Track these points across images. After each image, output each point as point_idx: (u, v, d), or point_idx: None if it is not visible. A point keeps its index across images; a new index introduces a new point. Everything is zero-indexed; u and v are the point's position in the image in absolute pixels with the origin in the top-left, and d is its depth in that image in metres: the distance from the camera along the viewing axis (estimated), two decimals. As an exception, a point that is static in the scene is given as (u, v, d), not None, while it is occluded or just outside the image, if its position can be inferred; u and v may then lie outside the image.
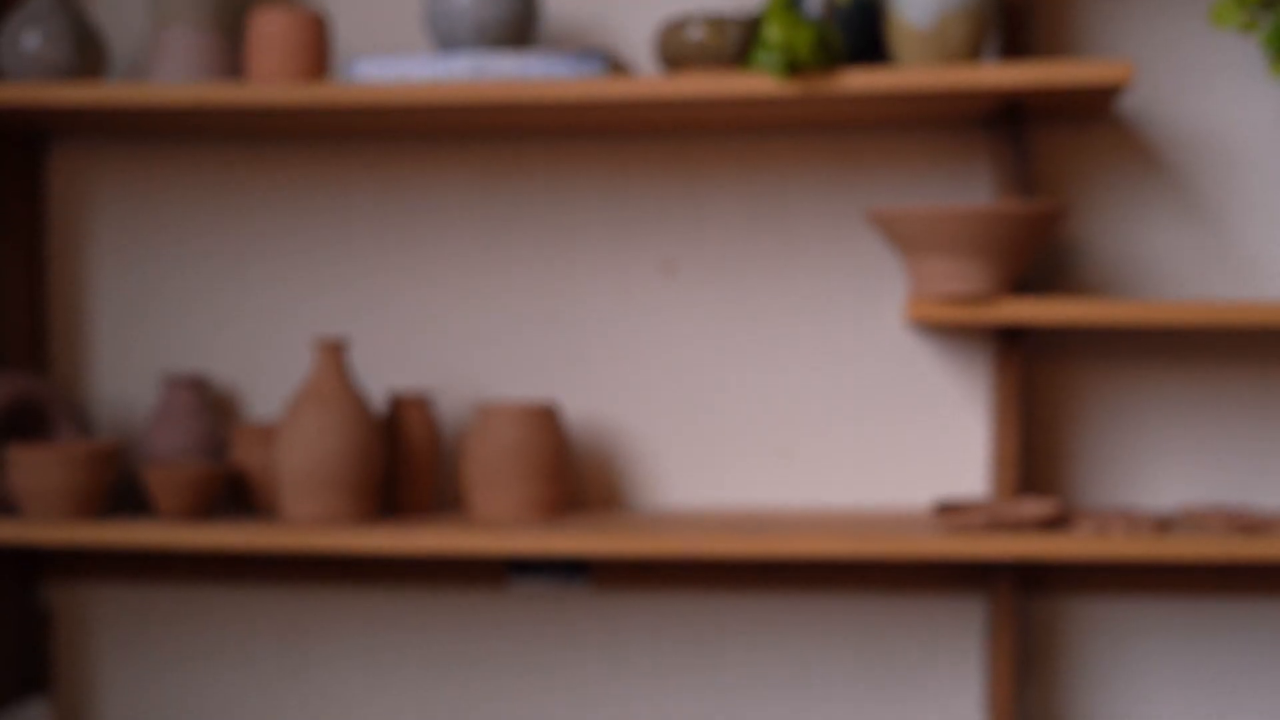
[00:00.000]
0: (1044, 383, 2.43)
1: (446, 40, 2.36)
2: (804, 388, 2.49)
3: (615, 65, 2.35)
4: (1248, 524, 2.22)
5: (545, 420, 2.38)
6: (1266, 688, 2.41)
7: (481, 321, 2.55)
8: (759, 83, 2.21)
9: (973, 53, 2.23)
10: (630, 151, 2.51)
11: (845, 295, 2.47)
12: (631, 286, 2.52)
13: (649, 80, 2.25)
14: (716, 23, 2.30)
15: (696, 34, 2.30)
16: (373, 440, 2.35)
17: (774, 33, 2.17)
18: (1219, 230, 2.38)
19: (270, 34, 2.36)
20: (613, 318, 2.53)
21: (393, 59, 2.32)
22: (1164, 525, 2.24)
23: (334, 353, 2.36)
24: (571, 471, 2.50)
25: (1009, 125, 2.36)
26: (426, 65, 2.32)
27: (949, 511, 2.26)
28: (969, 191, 2.43)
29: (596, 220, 2.52)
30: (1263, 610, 2.41)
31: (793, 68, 2.18)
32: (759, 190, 2.49)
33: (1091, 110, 2.34)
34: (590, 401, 2.53)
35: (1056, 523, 2.25)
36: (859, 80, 2.19)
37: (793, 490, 2.49)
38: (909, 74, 2.19)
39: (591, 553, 2.26)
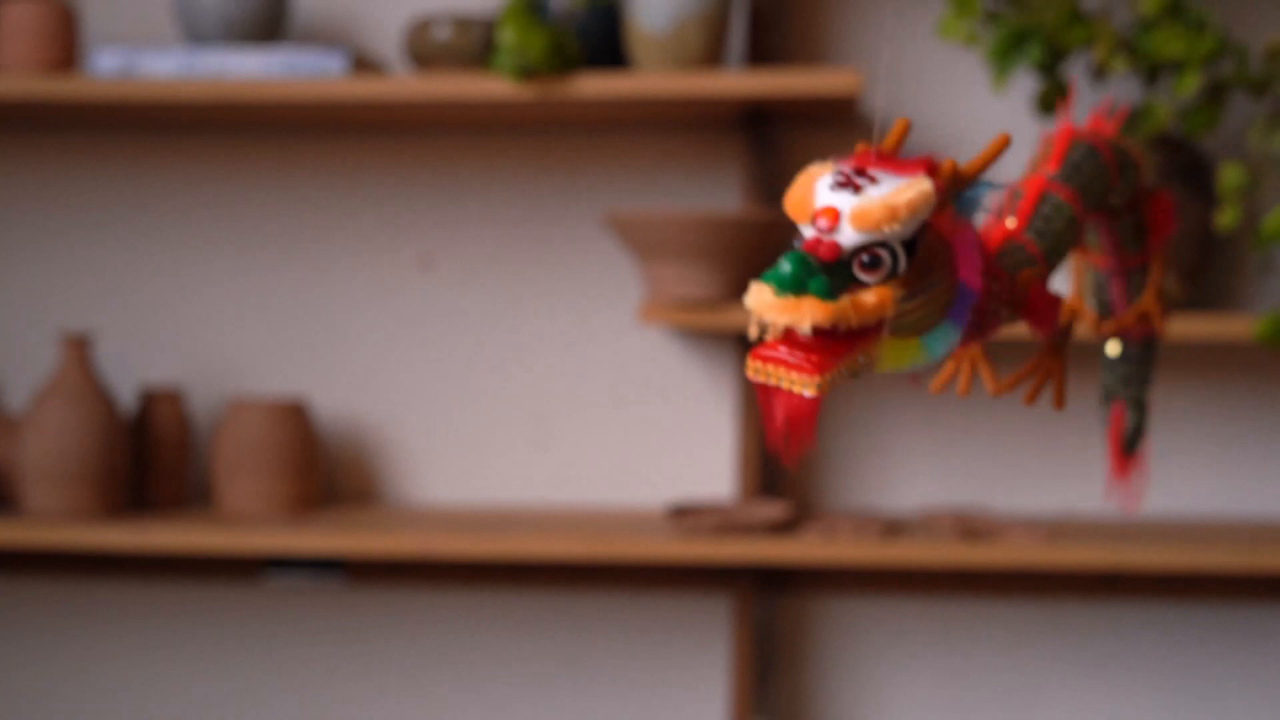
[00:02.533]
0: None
1: (194, 33, 2.35)
2: (558, 385, 2.50)
3: (362, 62, 2.35)
4: (974, 529, 2.26)
5: (294, 416, 2.38)
6: (1001, 686, 2.46)
7: (238, 315, 2.54)
8: (495, 86, 2.22)
9: (710, 58, 2.25)
10: (386, 146, 2.51)
11: (598, 293, 2.49)
12: (388, 281, 2.52)
13: (384, 81, 2.26)
14: (462, 23, 2.30)
15: (442, 34, 2.31)
16: (118, 434, 2.34)
17: (508, 36, 2.18)
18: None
19: (18, 24, 2.34)
20: (369, 312, 2.52)
21: (135, 52, 2.30)
22: (894, 529, 2.27)
23: (78, 347, 2.34)
24: (324, 467, 2.50)
25: (756, 127, 2.39)
26: (169, 59, 2.30)
27: (683, 514, 2.28)
28: (719, 192, 2.46)
29: (353, 214, 2.52)
30: (993, 612, 2.46)
31: (527, 72, 2.19)
32: (513, 187, 2.49)
33: (836, 114, 2.37)
34: (347, 396, 2.53)
35: (788, 526, 2.28)
36: (593, 85, 2.21)
37: (548, 486, 2.51)
38: (644, 80, 2.21)
39: (332, 551, 2.26)
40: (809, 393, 0.92)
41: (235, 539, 2.26)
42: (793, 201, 0.95)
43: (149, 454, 2.42)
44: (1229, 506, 2.44)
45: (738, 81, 2.19)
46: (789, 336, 0.92)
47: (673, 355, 2.49)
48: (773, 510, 2.28)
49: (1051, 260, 1.15)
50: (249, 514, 2.36)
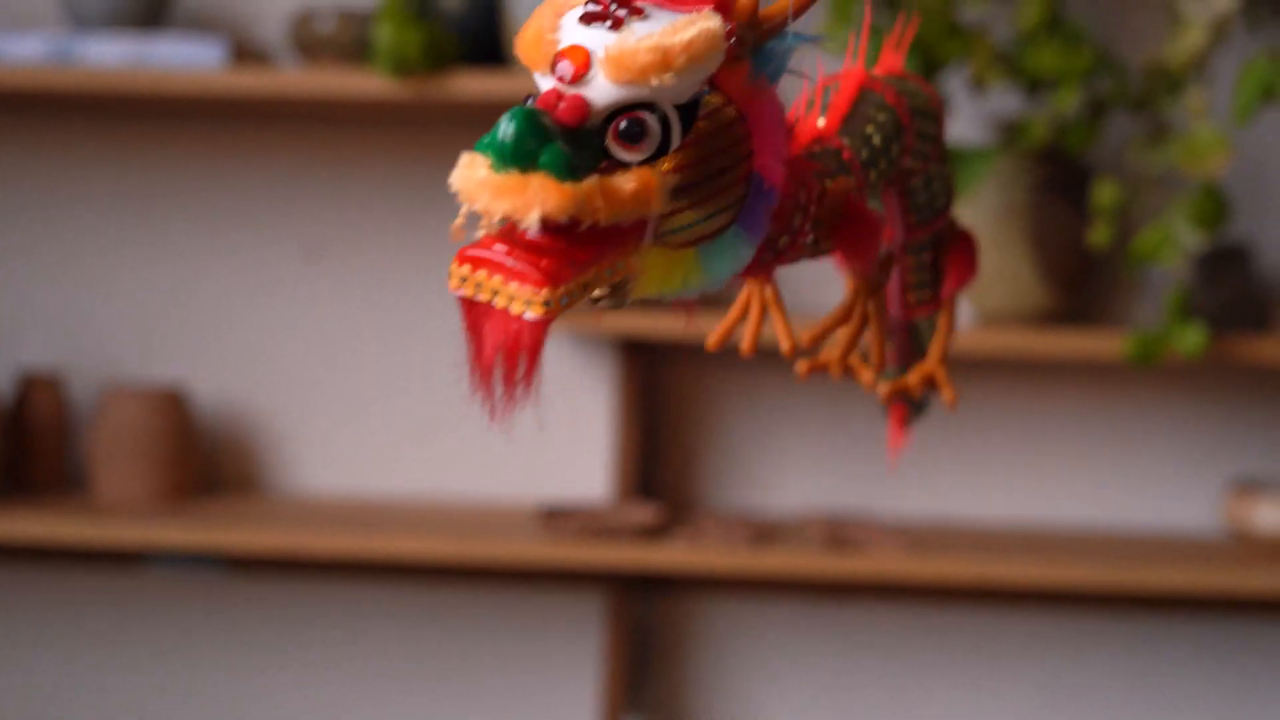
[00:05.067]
0: (671, 384, 2.46)
1: (77, 16, 2.32)
2: (438, 378, 2.49)
3: (244, 51, 2.33)
4: (843, 537, 2.26)
5: (172, 403, 2.36)
6: (870, 689, 2.47)
7: (121, 300, 2.52)
8: (371, 82, 2.20)
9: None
10: (269, 134, 2.49)
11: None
12: (271, 270, 2.51)
13: (260, 74, 2.24)
14: (345, 16, 2.29)
15: (325, 26, 2.29)
16: (-9, 420, 2.32)
17: (385, 33, 2.16)
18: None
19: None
20: (252, 300, 2.51)
21: (7, 36, 2.28)
22: (764, 534, 2.28)
23: (-47, 330, 2.32)
24: (204, 454, 2.49)
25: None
26: (38, 42, 2.27)
27: (554, 516, 2.28)
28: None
29: (235, 201, 2.50)
30: (862, 616, 2.47)
31: (403, 68, 2.17)
32: (396, 179, 2.48)
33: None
34: (229, 383, 2.51)
35: (659, 530, 2.28)
36: (471, 84, 2.20)
37: (426, 478, 2.50)
38: (522, 79, 2.19)
39: (207, 545, 2.26)
40: (533, 313, 0.67)
41: (110, 530, 2.24)
42: (527, 39, 0.70)
43: (26, 440, 2.40)
44: (1098, 518, 2.45)
45: (615, 84, 2.18)
46: (510, 232, 0.68)
47: (552, 353, 2.48)
48: (643, 514, 2.27)
49: (871, 179, 0.89)
50: (126, 503, 2.34)
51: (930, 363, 1.05)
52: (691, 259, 0.73)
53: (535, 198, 0.66)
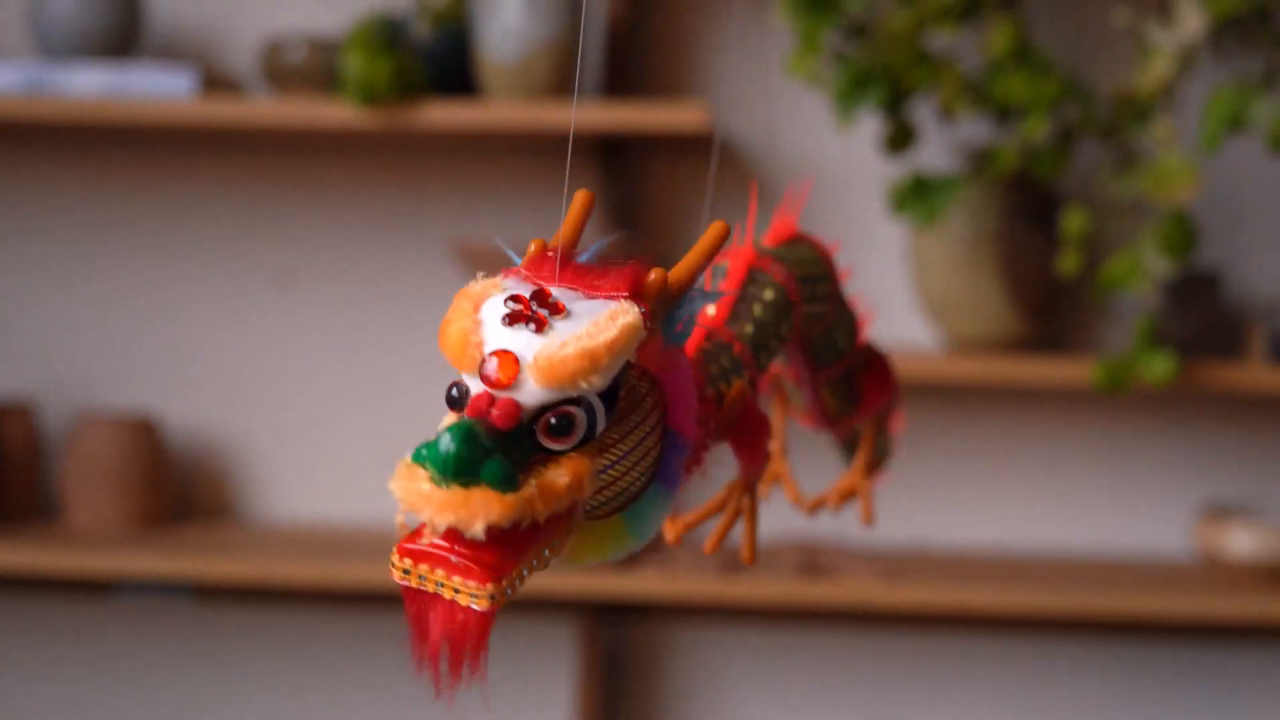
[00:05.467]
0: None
1: (46, 45, 2.32)
2: (409, 406, 2.49)
3: (214, 79, 2.33)
4: (816, 564, 2.27)
5: (144, 432, 2.36)
6: (845, 715, 2.47)
7: (93, 329, 2.52)
8: (341, 111, 2.20)
9: (560, 88, 2.24)
10: (240, 162, 2.49)
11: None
12: (244, 296, 2.50)
13: (229, 103, 2.25)
14: (315, 45, 2.29)
15: (295, 55, 2.29)
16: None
17: (354, 63, 2.16)
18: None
19: None
20: (225, 328, 2.51)
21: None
22: (737, 561, 2.27)
23: (-76, 358, 2.32)
24: (176, 482, 2.48)
25: (611, 156, 2.38)
26: (13, 72, 2.27)
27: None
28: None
29: (206, 230, 2.50)
30: (835, 643, 2.47)
31: (372, 98, 2.17)
32: (367, 208, 2.48)
33: (692, 144, 2.37)
34: (203, 411, 2.51)
35: (630, 558, 2.28)
36: (440, 114, 2.20)
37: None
38: (491, 109, 2.20)
39: (177, 574, 2.25)
40: (479, 605, 0.70)
41: (81, 558, 2.25)
42: (452, 339, 0.72)
43: (-2, 467, 2.40)
44: (1070, 544, 2.45)
45: (584, 113, 2.18)
46: (452, 533, 0.70)
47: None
48: (614, 542, 2.27)
49: (762, 362, 0.92)
50: (98, 530, 2.34)
51: (852, 478, 1.11)
52: (619, 525, 0.77)
53: (479, 511, 0.68)
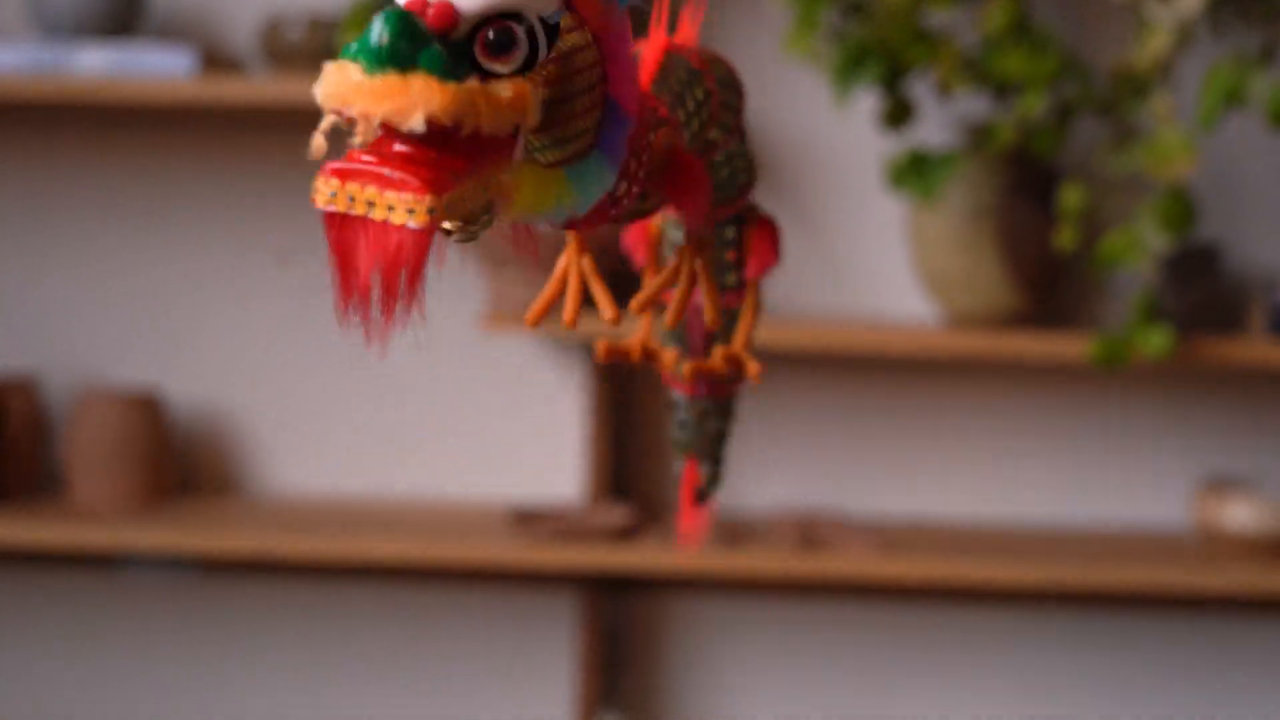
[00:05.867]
0: (642, 387, 2.47)
1: (46, 25, 2.33)
2: (410, 381, 2.50)
3: (214, 58, 2.34)
4: (814, 537, 2.28)
5: (146, 407, 2.37)
6: (844, 686, 2.49)
7: (96, 305, 2.53)
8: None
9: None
10: (240, 139, 2.50)
11: (448, 291, 2.48)
12: (245, 272, 2.51)
13: (229, 83, 2.26)
14: (315, 23, 2.29)
15: (294, 34, 2.30)
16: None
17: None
18: (823, 238, 2.43)
19: None
20: (227, 303, 2.52)
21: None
22: (736, 534, 2.29)
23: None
24: (179, 457, 2.50)
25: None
26: (15, 53, 2.28)
27: (526, 518, 2.29)
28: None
29: (208, 206, 2.51)
30: (834, 614, 2.48)
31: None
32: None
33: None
34: (205, 387, 2.52)
35: (630, 531, 2.29)
36: (438, 91, 2.20)
37: (399, 479, 2.51)
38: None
39: (181, 549, 2.27)
40: (415, 222, 0.64)
41: (86, 533, 2.27)
42: None
43: (2, 444, 2.41)
44: (1070, 517, 2.46)
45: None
46: (380, 146, 0.65)
47: (524, 355, 2.49)
48: (614, 516, 2.29)
49: (686, 138, 0.85)
50: (102, 506, 2.36)
51: (735, 345, 1.00)
52: (561, 179, 0.72)
53: (418, 98, 0.62)
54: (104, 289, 2.53)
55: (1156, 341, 2.13)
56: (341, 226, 0.65)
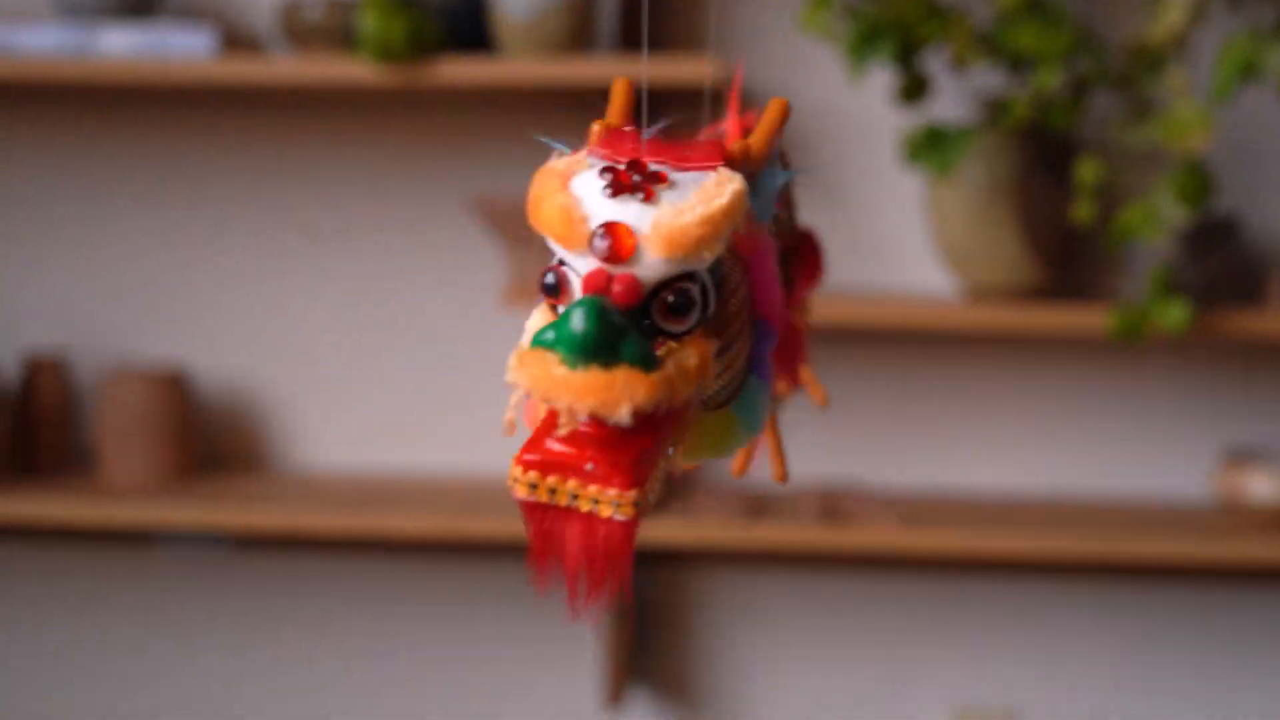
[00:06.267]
0: (667, 361, 2.48)
1: (73, 8, 2.35)
2: (440, 355, 2.52)
3: (233, 38, 2.36)
4: (836, 509, 2.29)
5: (174, 384, 2.40)
6: (868, 657, 2.50)
7: (123, 284, 2.56)
8: (358, 69, 2.23)
9: (576, 43, 2.25)
10: (262, 119, 2.52)
11: (471, 267, 2.50)
12: (270, 250, 2.54)
13: (249, 63, 2.27)
14: (333, 4, 2.31)
15: (313, 14, 2.31)
16: (-3, 404, 2.37)
17: (369, 22, 2.18)
18: (843, 213, 2.44)
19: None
20: (253, 281, 2.54)
21: (8, 28, 2.31)
22: (759, 507, 2.31)
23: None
24: (206, 435, 2.53)
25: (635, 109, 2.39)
26: (38, 35, 2.30)
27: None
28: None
29: (230, 184, 2.53)
30: (856, 585, 2.50)
31: (389, 56, 2.19)
32: (390, 160, 2.50)
33: (712, 98, 2.37)
34: (232, 363, 2.55)
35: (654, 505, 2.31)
36: (455, 70, 2.22)
37: (425, 454, 2.53)
38: (506, 66, 2.22)
39: (210, 524, 2.30)
40: (623, 515, 0.64)
41: (115, 510, 2.30)
42: (552, 215, 0.67)
43: (32, 422, 2.45)
44: (1091, 489, 2.47)
45: (599, 68, 2.19)
46: (577, 432, 0.63)
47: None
48: (634, 492, 2.30)
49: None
50: (131, 483, 2.39)
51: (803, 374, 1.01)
52: (730, 417, 0.71)
53: (624, 393, 0.62)
54: (131, 268, 2.56)
55: (1174, 315, 2.13)
56: (543, 515, 0.64)
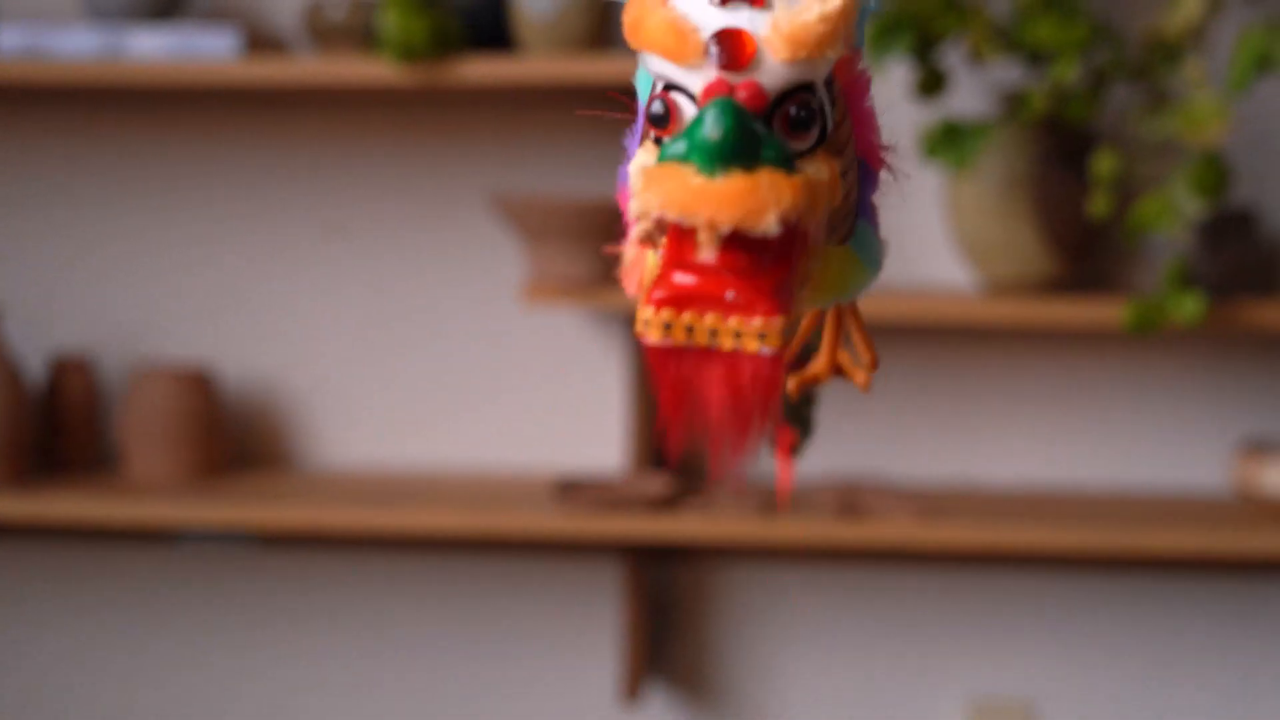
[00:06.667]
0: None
1: (99, 10, 2.38)
2: (457, 354, 2.54)
3: (258, 38, 2.38)
4: (853, 504, 2.31)
5: (199, 383, 2.42)
6: (884, 651, 2.52)
7: (149, 284, 2.58)
8: (379, 69, 2.25)
9: (597, 41, 2.27)
10: (286, 117, 2.54)
11: (493, 264, 2.52)
12: (294, 248, 2.56)
13: (273, 64, 2.30)
14: (355, 4, 2.33)
15: (336, 14, 2.34)
16: (24, 403, 2.39)
17: (391, 21, 2.21)
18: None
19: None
20: (276, 279, 2.56)
21: (32, 28, 2.33)
22: (772, 502, 2.32)
23: (-14, 316, 2.38)
24: (231, 433, 2.55)
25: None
26: (67, 38, 2.33)
27: (570, 488, 2.33)
28: (608, 172, 2.48)
29: (254, 183, 2.55)
30: (873, 580, 2.51)
31: (410, 55, 2.21)
32: (413, 158, 2.52)
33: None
34: (257, 362, 2.57)
35: (671, 500, 2.33)
36: (476, 69, 2.24)
37: (447, 451, 2.55)
38: (526, 64, 2.24)
39: (235, 522, 2.32)
40: (769, 347, 0.57)
41: (141, 508, 2.32)
42: (657, 29, 0.61)
43: (58, 421, 2.47)
44: (1108, 481, 2.48)
45: (618, 66, 2.21)
46: (706, 264, 0.57)
47: (566, 327, 2.53)
48: (656, 485, 2.32)
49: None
50: (157, 481, 2.41)
51: (825, 353, 0.96)
52: (851, 255, 0.67)
53: (769, 198, 0.56)
54: (156, 268, 2.58)
55: (1189, 307, 2.15)
56: (680, 362, 0.58)
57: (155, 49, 2.31)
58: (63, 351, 2.55)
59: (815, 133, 0.60)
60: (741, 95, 0.58)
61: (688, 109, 0.60)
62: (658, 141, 0.62)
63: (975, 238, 2.30)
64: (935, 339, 2.47)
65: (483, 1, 2.32)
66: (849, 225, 0.66)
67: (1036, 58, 2.18)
